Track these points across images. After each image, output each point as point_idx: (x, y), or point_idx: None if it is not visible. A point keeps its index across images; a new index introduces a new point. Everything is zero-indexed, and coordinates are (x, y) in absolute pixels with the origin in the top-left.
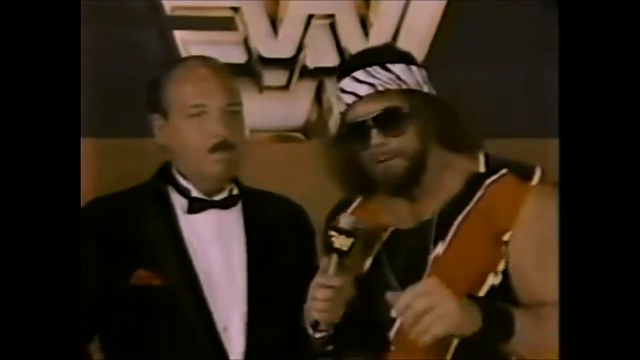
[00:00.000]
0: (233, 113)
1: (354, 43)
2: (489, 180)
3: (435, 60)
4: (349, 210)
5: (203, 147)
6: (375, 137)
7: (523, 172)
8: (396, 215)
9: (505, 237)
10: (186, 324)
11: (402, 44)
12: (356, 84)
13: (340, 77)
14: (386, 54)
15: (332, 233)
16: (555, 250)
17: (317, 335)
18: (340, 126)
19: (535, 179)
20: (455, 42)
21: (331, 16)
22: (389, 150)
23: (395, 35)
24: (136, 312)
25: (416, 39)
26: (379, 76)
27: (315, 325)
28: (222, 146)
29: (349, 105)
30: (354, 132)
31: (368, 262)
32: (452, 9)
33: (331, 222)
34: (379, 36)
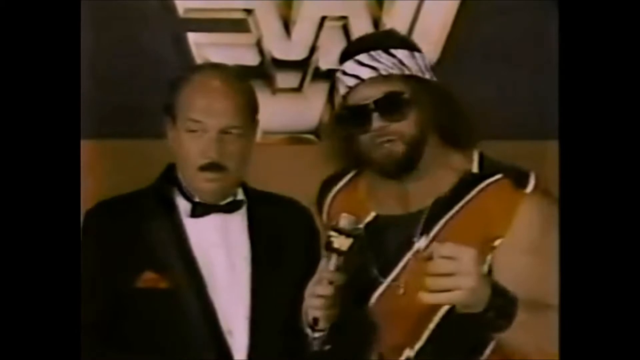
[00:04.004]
0: (233, 135)
1: None
2: (483, 184)
3: (449, 61)
4: (337, 187)
5: (194, 164)
6: (376, 121)
7: (518, 178)
8: (382, 201)
9: (496, 243)
10: (191, 327)
11: None
12: (359, 67)
13: (342, 60)
14: (389, 39)
15: (332, 233)
16: (548, 257)
17: (316, 334)
18: (340, 108)
19: (530, 187)
20: (469, 43)
21: (344, 18)
22: (389, 133)
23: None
24: (142, 315)
25: (429, 40)
26: (382, 60)
27: (315, 323)
28: (212, 167)
29: (350, 88)
30: (355, 115)
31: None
32: (465, 10)
33: (323, 198)
34: None
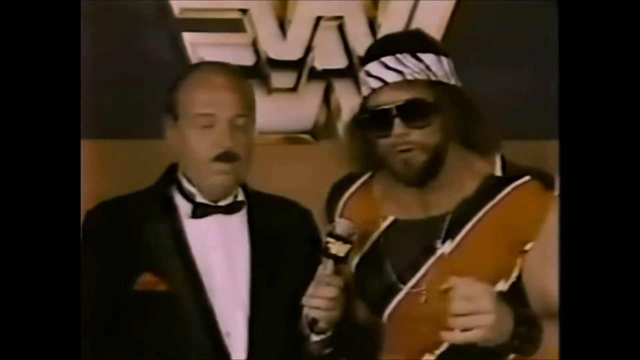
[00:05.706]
0: (242, 124)
1: (363, 44)
2: (510, 186)
3: None
4: (350, 191)
5: (207, 157)
6: (398, 126)
7: (545, 180)
8: (400, 204)
9: (527, 247)
10: (190, 329)
11: None
12: (384, 70)
13: (367, 60)
14: (417, 42)
15: (329, 239)
16: None
17: (316, 337)
18: (361, 110)
19: (557, 189)
20: (465, 43)
21: (340, 18)
22: (410, 141)
23: None
24: (140, 317)
25: None
26: (408, 64)
27: (314, 323)
28: (226, 157)
29: (373, 90)
30: (376, 118)
31: (364, 249)
32: (461, 10)
33: (334, 203)
34: None
